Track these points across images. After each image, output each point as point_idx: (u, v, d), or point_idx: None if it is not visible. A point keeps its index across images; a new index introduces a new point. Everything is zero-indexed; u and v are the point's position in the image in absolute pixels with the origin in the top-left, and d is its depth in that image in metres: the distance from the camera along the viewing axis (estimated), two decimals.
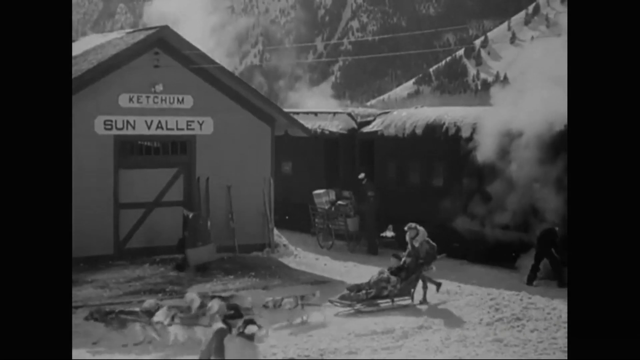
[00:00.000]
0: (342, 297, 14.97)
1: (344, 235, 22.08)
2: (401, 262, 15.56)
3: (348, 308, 14.76)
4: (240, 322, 9.13)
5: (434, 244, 15.73)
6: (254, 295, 15.19)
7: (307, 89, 40.64)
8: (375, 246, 21.10)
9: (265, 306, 13.70)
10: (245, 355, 8.54)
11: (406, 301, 15.40)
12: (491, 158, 18.77)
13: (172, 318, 12.20)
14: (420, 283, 15.56)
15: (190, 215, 17.54)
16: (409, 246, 15.72)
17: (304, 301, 13.94)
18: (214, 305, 12.32)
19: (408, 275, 15.37)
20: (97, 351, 12.28)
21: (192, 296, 12.95)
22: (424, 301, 15.45)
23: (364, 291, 15.01)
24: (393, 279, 15.26)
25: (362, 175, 21.71)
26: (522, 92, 18.47)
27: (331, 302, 14.77)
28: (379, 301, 15.11)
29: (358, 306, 14.81)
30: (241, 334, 8.58)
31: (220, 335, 8.77)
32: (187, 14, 27.85)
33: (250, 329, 8.59)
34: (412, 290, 15.47)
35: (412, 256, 15.54)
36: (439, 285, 15.96)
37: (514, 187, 18.20)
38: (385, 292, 15.16)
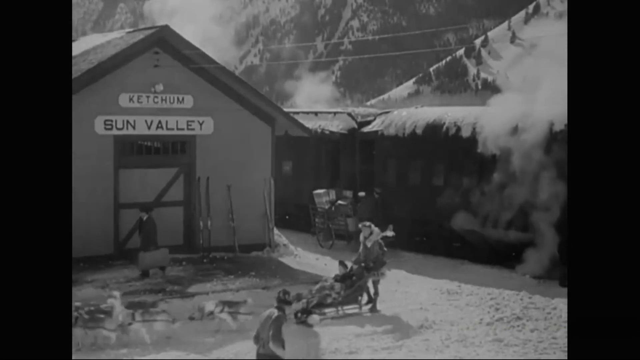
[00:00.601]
0: None
1: (344, 235, 22.09)
2: (347, 269, 14.98)
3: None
4: (292, 309, 9.21)
5: (385, 248, 15.23)
6: (254, 295, 15.19)
7: (306, 76, 40.31)
8: None
9: (191, 317, 13.47)
10: (311, 344, 8.68)
11: (353, 309, 14.75)
12: (491, 157, 18.80)
13: (76, 320, 12.22)
14: (372, 290, 15.00)
15: (144, 217, 17.14)
16: (361, 246, 15.17)
17: (234, 309, 13.49)
18: (119, 316, 12.55)
19: (354, 283, 14.76)
20: (96, 352, 12.32)
21: (113, 302, 12.91)
22: (373, 309, 14.84)
23: (304, 300, 14.22)
24: (337, 286, 14.63)
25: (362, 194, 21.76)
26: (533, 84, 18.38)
27: None
28: (324, 310, 14.34)
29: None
30: (303, 323, 8.70)
31: (279, 322, 8.89)
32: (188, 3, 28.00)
33: (313, 319, 8.74)
34: (360, 297, 14.87)
35: (358, 263, 14.93)
36: (372, 299, 15.03)
37: (515, 186, 18.21)
38: (329, 300, 14.43)
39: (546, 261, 17.48)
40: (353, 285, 14.77)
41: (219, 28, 28.33)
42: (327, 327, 13.70)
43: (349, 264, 15.17)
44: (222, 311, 13.46)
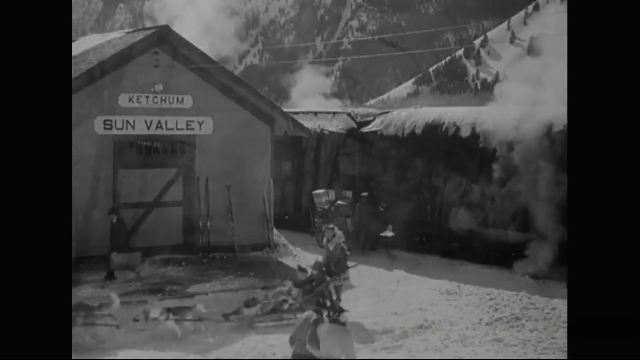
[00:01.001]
0: (236, 312, 13.95)
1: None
2: (308, 274, 14.47)
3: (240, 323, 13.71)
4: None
5: (347, 252, 14.95)
6: (256, 295, 15.18)
7: (306, 67, 40.15)
8: (373, 243, 21.13)
9: (135, 319, 13.35)
10: (344, 343, 9.06)
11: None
12: (491, 158, 18.81)
13: None
14: (334, 295, 14.38)
15: (114, 220, 16.96)
16: (325, 249, 14.93)
17: (179, 315, 13.34)
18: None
19: (314, 288, 14.12)
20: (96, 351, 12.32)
21: None
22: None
23: (259, 305, 14.00)
24: (294, 291, 14.23)
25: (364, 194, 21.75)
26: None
27: (225, 317, 13.84)
28: (282, 316, 13.88)
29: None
30: (335, 321, 9.07)
31: (316, 324, 9.19)
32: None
33: (345, 316, 9.12)
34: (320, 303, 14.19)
35: (317, 268, 14.46)
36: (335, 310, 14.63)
37: (514, 186, 18.22)
38: (286, 306, 13.96)
39: (546, 261, 17.48)
40: (312, 291, 14.13)
41: (220, 17, 28.28)
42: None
43: (309, 270, 14.65)
44: (167, 318, 13.35)
